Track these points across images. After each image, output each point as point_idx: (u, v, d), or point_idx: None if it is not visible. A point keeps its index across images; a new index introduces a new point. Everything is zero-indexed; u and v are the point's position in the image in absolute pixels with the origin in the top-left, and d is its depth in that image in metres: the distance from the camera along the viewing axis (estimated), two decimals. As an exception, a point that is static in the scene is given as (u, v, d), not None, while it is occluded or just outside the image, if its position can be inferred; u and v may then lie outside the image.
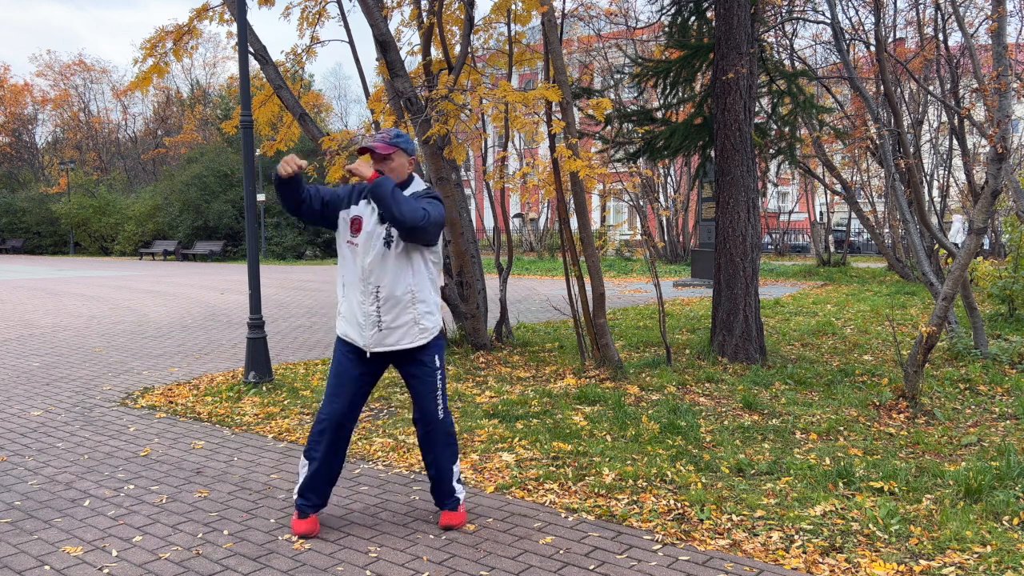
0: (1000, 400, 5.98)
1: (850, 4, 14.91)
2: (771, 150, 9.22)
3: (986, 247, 21.19)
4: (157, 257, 34.78)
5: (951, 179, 19.76)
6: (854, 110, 17.05)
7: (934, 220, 15.71)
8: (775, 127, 9.17)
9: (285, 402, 6.20)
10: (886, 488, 4.03)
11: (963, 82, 16.50)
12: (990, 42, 5.79)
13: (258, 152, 19.36)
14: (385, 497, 4.09)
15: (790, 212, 33.35)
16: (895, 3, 15.67)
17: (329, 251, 32.34)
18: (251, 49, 7.60)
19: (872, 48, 12.77)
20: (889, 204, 18.88)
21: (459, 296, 8.22)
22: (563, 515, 3.80)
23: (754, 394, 6.07)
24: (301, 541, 3.54)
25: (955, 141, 14.96)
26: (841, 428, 5.20)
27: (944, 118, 17.58)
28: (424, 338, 3.57)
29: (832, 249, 26.42)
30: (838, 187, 17.95)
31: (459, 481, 3.77)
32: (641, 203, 27.58)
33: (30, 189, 44.13)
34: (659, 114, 9.08)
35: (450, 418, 3.70)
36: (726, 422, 5.39)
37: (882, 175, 21.00)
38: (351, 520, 3.78)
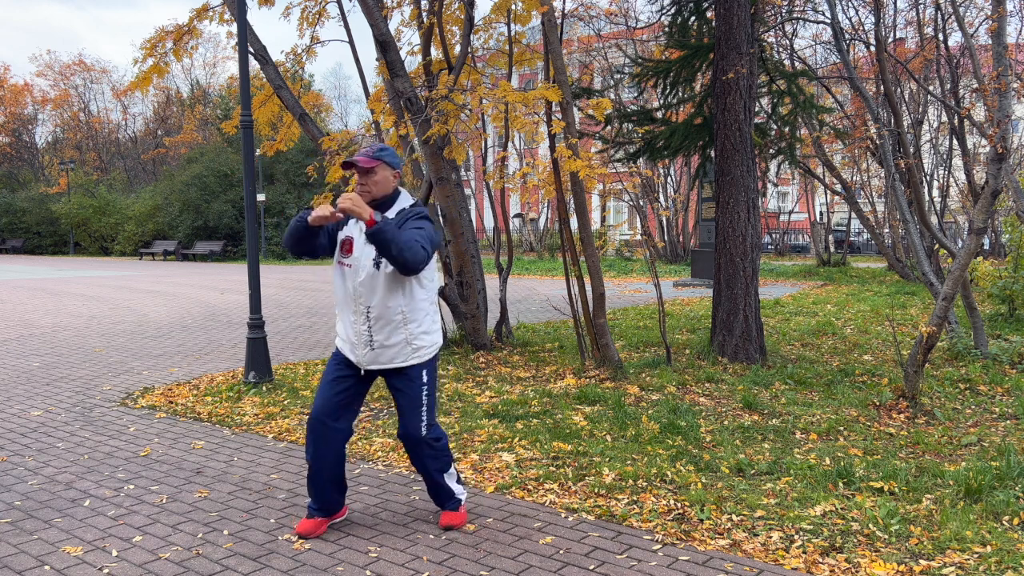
0: (1000, 400, 5.98)
1: (850, 4, 14.92)
2: (771, 150, 9.22)
3: (986, 247, 21.19)
4: (157, 257, 34.78)
5: (951, 179, 19.76)
6: (854, 110, 17.05)
7: (934, 220, 15.72)
8: (775, 127, 9.17)
9: (285, 402, 6.20)
10: (886, 488, 4.03)
11: (963, 82, 16.50)
12: (990, 42, 5.80)
13: (258, 152, 19.35)
14: (385, 497, 4.09)
15: (790, 212, 33.36)
16: (895, 3, 15.68)
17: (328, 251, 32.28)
18: (251, 49, 7.60)
19: (872, 48, 12.77)
20: (889, 204, 18.88)
21: (459, 296, 8.22)
22: (563, 515, 3.80)
23: (754, 394, 6.07)
24: (301, 541, 3.55)
25: (955, 141, 14.96)
26: (841, 428, 5.20)
27: (944, 118, 17.59)
28: (418, 357, 3.53)
29: (832, 249, 26.43)
30: (838, 187, 17.96)
31: (459, 482, 3.77)
32: (641, 203, 27.58)
33: (30, 189, 44.14)
34: (659, 114, 9.08)
35: (436, 431, 3.61)
36: (726, 422, 5.39)
37: (882, 175, 21.00)
38: (351, 520, 3.78)
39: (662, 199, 27.66)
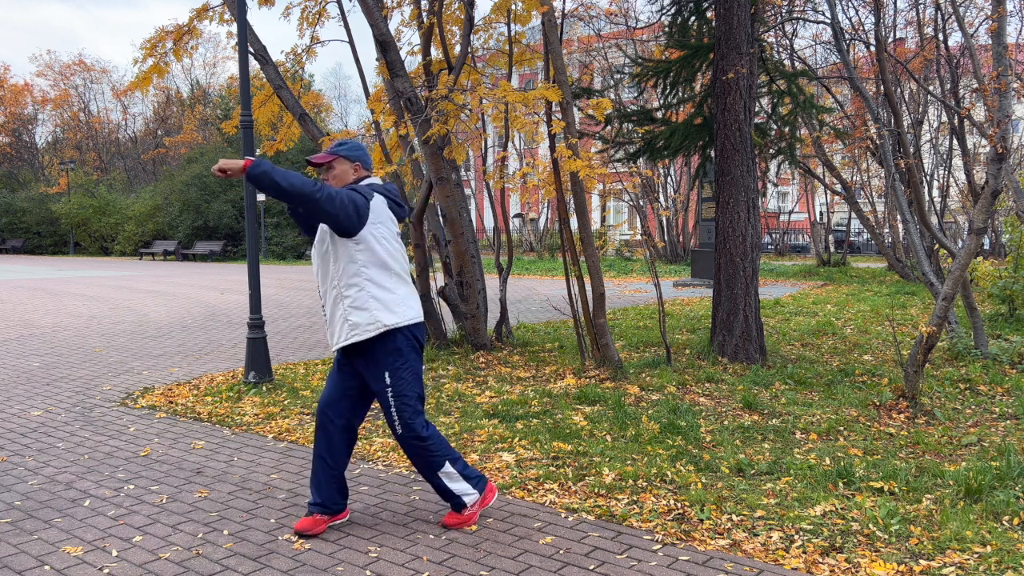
0: (1000, 400, 5.98)
1: (850, 4, 14.92)
2: (771, 150, 9.22)
3: (986, 247, 21.20)
4: (157, 257, 34.79)
5: (951, 179, 19.76)
6: (854, 110, 17.06)
7: (934, 220, 15.72)
8: (775, 127, 9.17)
9: (285, 402, 6.20)
10: (886, 488, 4.03)
11: (963, 82, 16.50)
12: (990, 42, 5.80)
13: (258, 152, 19.34)
14: (385, 497, 4.09)
15: (790, 212, 33.36)
16: (895, 3, 15.68)
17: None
18: (251, 49, 7.60)
19: (872, 48, 12.77)
20: (889, 204, 18.88)
21: (459, 296, 8.22)
22: (563, 515, 3.80)
23: (754, 394, 6.07)
24: (301, 541, 3.54)
25: (955, 141, 14.96)
26: (841, 428, 5.20)
27: (944, 118, 17.59)
28: (356, 335, 3.45)
29: (832, 249, 26.43)
30: (838, 187, 17.96)
31: (470, 479, 3.67)
32: (641, 203, 27.58)
33: (30, 189, 44.15)
34: (659, 114, 9.08)
35: (416, 430, 3.52)
36: (726, 422, 5.39)
37: (882, 175, 21.01)
38: (351, 520, 3.78)
39: (662, 199, 27.67)
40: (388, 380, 3.48)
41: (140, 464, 4.70)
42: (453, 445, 4.91)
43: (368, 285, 3.46)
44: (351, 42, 8.80)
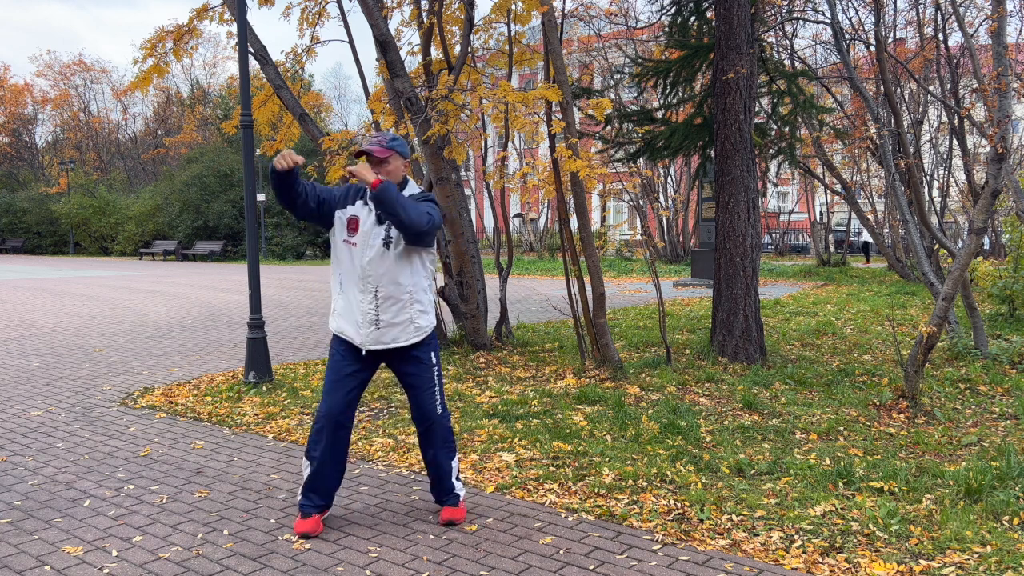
0: (1000, 400, 5.98)
1: (850, 4, 14.92)
2: (771, 150, 9.22)
3: (986, 247, 21.20)
4: (157, 257, 34.79)
5: (951, 179, 19.76)
6: (854, 110, 17.05)
7: (934, 220, 15.72)
8: (775, 127, 9.17)
9: (285, 402, 6.20)
10: (886, 488, 4.03)
11: (963, 82, 16.49)
12: (990, 42, 5.80)
13: (258, 152, 19.31)
14: (385, 497, 4.09)
15: (790, 212, 33.36)
16: (895, 3, 15.68)
17: (329, 251, 32.34)
18: (251, 49, 7.60)
19: (872, 48, 12.77)
20: (889, 204, 18.88)
21: (459, 296, 8.22)
22: (563, 515, 3.80)
23: (754, 394, 6.07)
24: (301, 541, 3.55)
25: (955, 141, 14.96)
26: (841, 428, 5.20)
27: (944, 118, 17.58)
28: (418, 336, 3.63)
29: (832, 249, 26.43)
30: (838, 187, 17.96)
31: (458, 478, 3.80)
32: (641, 203, 27.58)
33: (30, 189, 44.15)
34: (659, 114, 9.08)
35: (448, 415, 3.75)
36: (726, 422, 5.39)
37: (882, 175, 21.00)
38: (351, 520, 3.78)
39: (662, 199, 27.67)
40: (434, 360, 3.69)
41: (140, 464, 4.70)
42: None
43: (430, 291, 3.71)
44: (351, 42, 8.81)
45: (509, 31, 8.29)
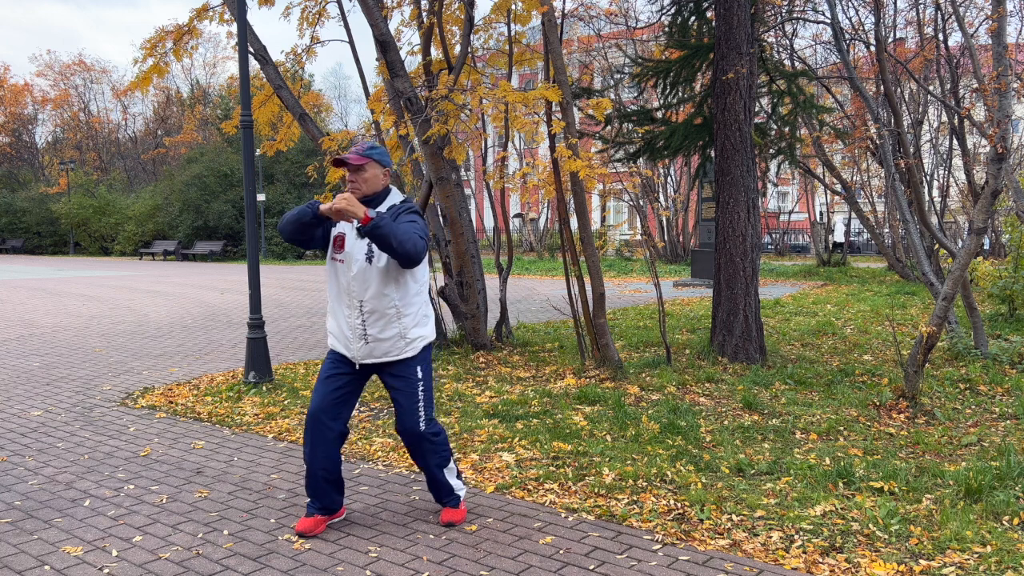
0: (1000, 400, 5.98)
1: (850, 4, 14.90)
2: (771, 150, 9.22)
3: (986, 247, 21.20)
4: (157, 257, 34.78)
5: (951, 179, 19.76)
6: (854, 110, 17.05)
7: (934, 220, 15.72)
8: (775, 127, 9.16)
9: (285, 402, 6.20)
10: (886, 488, 4.03)
11: (963, 82, 16.49)
12: (990, 42, 5.80)
13: (258, 152, 19.30)
14: (385, 497, 4.09)
15: (790, 212, 33.35)
16: (895, 3, 15.68)
17: (329, 251, 32.28)
18: (251, 49, 7.60)
19: (872, 48, 12.77)
20: (889, 204, 18.88)
21: (459, 296, 8.22)
22: (563, 515, 3.81)
23: (754, 394, 6.07)
24: (301, 541, 3.55)
25: (955, 141, 14.96)
26: (841, 428, 5.20)
27: (944, 118, 17.58)
28: (411, 350, 3.58)
29: (832, 249, 26.43)
30: (838, 187, 17.95)
31: (459, 478, 3.80)
32: (641, 203, 27.57)
33: (30, 189, 44.13)
34: (659, 114, 9.08)
35: (435, 426, 3.65)
36: (726, 422, 5.39)
37: (882, 175, 21.00)
38: (351, 520, 3.78)
39: (662, 199, 27.66)
40: (420, 375, 3.62)
41: (140, 464, 4.70)
42: (453, 445, 4.91)
43: (423, 306, 3.65)
44: (351, 42, 8.81)
45: (509, 31, 8.29)
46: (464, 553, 3.39)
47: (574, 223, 9.46)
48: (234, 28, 7.25)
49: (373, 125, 8.74)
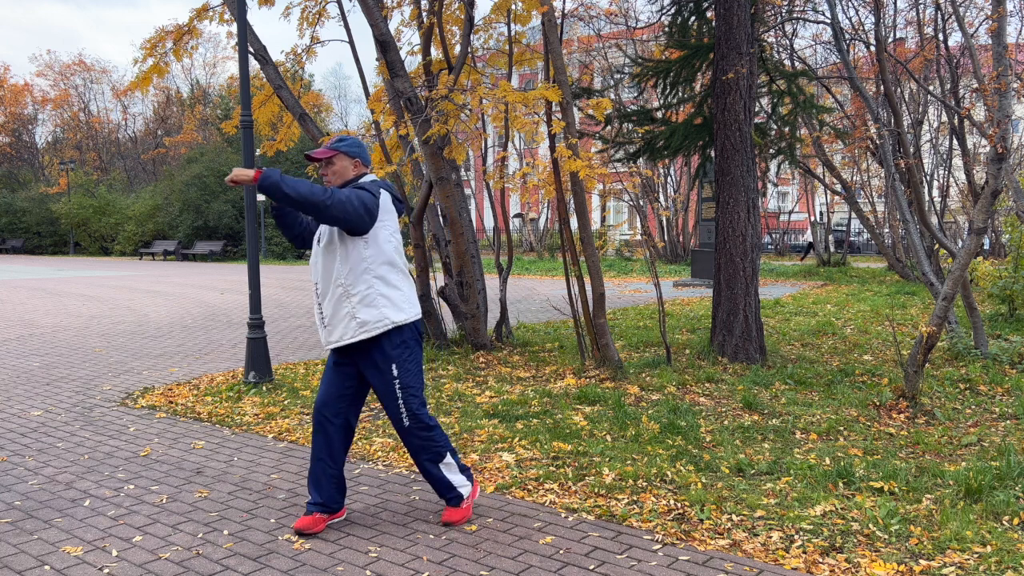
0: (1000, 400, 5.98)
1: (850, 4, 14.91)
2: (771, 150, 9.21)
3: (986, 247, 21.21)
4: (157, 257, 34.79)
5: (951, 179, 19.76)
6: (854, 110, 17.05)
7: (934, 220, 15.72)
8: (775, 127, 9.16)
9: (285, 402, 6.20)
10: (886, 488, 4.03)
11: (963, 82, 16.49)
12: (990, 42, 5.80)
13: (258, 152, 19.30)
14: (385, 497, 4.09)
15: (790, 212, 33.35)
16: (895, 3, 15.68)
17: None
18: (251, 49, 7.60)
19: (872, 48, 12.77)
20: (889, 204, 18.88)
21: (459, 296, 8.22)
22: (563, 515, 3.80)
23: (754, 394, 6.07)
24: (301, 541, 3.55)
25: (955, 141, 14.96)
26: (841, 428, 5.20)
27: (944, 118, 17.58)
28: (365, 332, 3.47)
29: (832, 249, 26.44)
30: (838, 187, 17.95)
31: (463, 472, 3.75)
32: (641, 203, 27.57)
33: (30, 189, 44.13)
34: (659, 114, 9.08)
35: (421, 420, 3.57)
36: (726, 422, 5.39)
37: (882, 175, 21.00)
38: (351, 520, 3.78)
39: (662, 199, 27.66)
40: (396, 372, 3.53)
41: (140, 464, 4.70)
42: (453, 445, 4.91)
43: (376, 283, 3.50)
44: (351, 42, 8.80)
45: (509, 31, 8.29)
46: (464, 553, 3.39)
47: (574, 223, 9.46)
48: (234, 28, 7.25)
49: (373, 125, 8.74)
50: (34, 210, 41.60)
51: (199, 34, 8.68)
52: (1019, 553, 3.27)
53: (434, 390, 6.50)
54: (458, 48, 7.98)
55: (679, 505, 3.85)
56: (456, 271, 8.20)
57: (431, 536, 3.58)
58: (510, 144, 19.01)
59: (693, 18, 8.62)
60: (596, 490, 4.08)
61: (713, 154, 7.95)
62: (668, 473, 4.28)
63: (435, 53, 8.19)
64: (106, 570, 3.27)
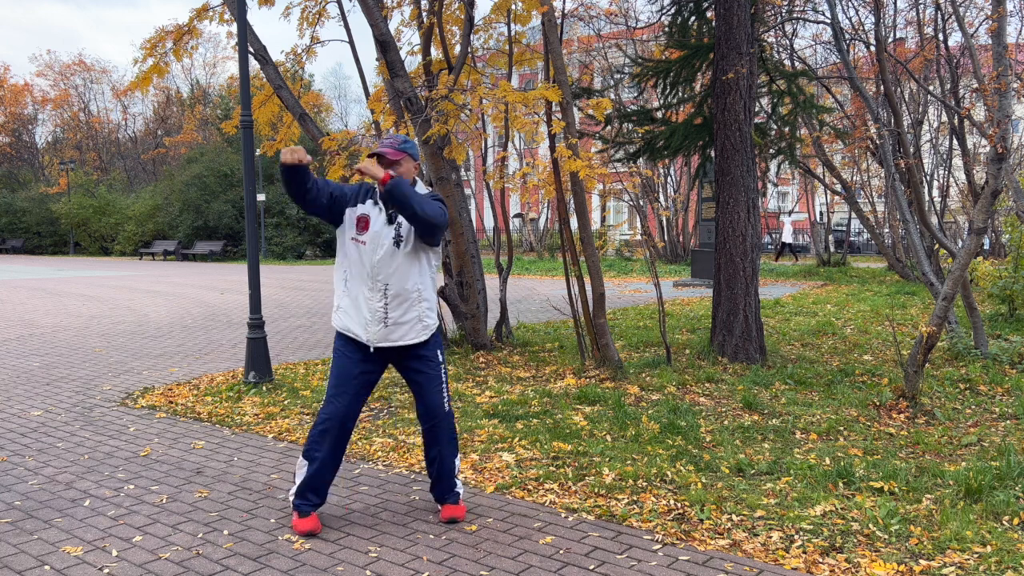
0: (1000, 400, 5.98)
1: (850, 4, 14.90)
2: (771, 150, 9.22)
3: (986, 247, 21.20)
4: (157, 257, 34.78)
5: (951, 179, 19.75)
6: (854, 110, 17.05)
7: (934, 220, 15.71)
8: (775, 127, 9.16)
9: (285, 402, 6.20)
10: (886, 488, 4.03)
11: (963, 82, 16.49)
12: (990, 42, 5.80)
13: (258, 152, 19.28)
14: (385, 497, 4.09)
15: (790, 212, 33.34)
16: (895, 3, 15.68)
17: (329, 251, 32.32)
18: (251, 49, 7.60)
19: (872, 48, 12.77)
20: (889, 204, 18.88)
21: (459, 296, 8.22)
22: (563, 515, 3.81)
23: (754, 394, 6.07)
24: (301, 541, 3.55)
25: (955, 141, 14.96)
26: (841, 428, 5.20)
27: (944, 118, 17.58)
28: (426, 334, 3.67)
29: (832, 249, 26.44)
30: (838, 187, 17.95)
31: (457, 476, 3.84)
32: (641, 203, 27.57)
33: (30, 189, 44.12)
34: (659, 114, 9.08)
35: (452, 412, 3.81)
36: (726, 422, 5.39)
37: (882, 175, 21.00)
38: (351, 520, 3.78)
39: (662, 199, 27.66)
40: (440, 357, 3.74)
41: (140, 464, 4.70)
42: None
43: (435, 287, 3.77)
44: (351, 42, 8.81)
45: (509, 31, 8.29)
46: (464, 553, 3.39)
47: (574, 223, 9.46)
48: (234, 28, 7.25)
49: (373, 125, 8.74)
50: (34, 210, 41.60)
51: (199, 34, 8.68)
52: (1019, 553, 3.27)
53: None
54: (458, 48, 7.98)
55: (679, 505, 3.85)
56: (456, 271, 8.20)
57: (431, 536, 3.58)
58: (510, 144, 19.01)
59: (693, 18, 8.62)
60: (596, 490, 4.08)
61: (713, 154, 7.95)
62: (668, 473, 4.28)
63: (435, 53, 8.19)
64: (106, 570, 3.27)
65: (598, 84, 24.63)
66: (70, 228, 39.97)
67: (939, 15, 12.77)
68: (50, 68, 55.37)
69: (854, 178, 20.74)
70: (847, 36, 12.04)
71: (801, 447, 4.82)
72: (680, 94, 8.91)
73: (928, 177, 18.15)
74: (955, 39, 21.64)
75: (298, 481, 3.66)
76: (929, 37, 14.01)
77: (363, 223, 3.60)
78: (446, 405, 3.74)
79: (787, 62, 14.85)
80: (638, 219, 28.61)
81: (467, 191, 17.32)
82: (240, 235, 33.16)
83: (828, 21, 7.74)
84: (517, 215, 37.74)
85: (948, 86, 13.70)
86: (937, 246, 10.67)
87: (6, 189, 45.15)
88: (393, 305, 3.58)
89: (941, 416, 5.47)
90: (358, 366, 3.63)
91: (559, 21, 8.57)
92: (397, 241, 3.57)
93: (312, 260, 31.50)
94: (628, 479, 4.20)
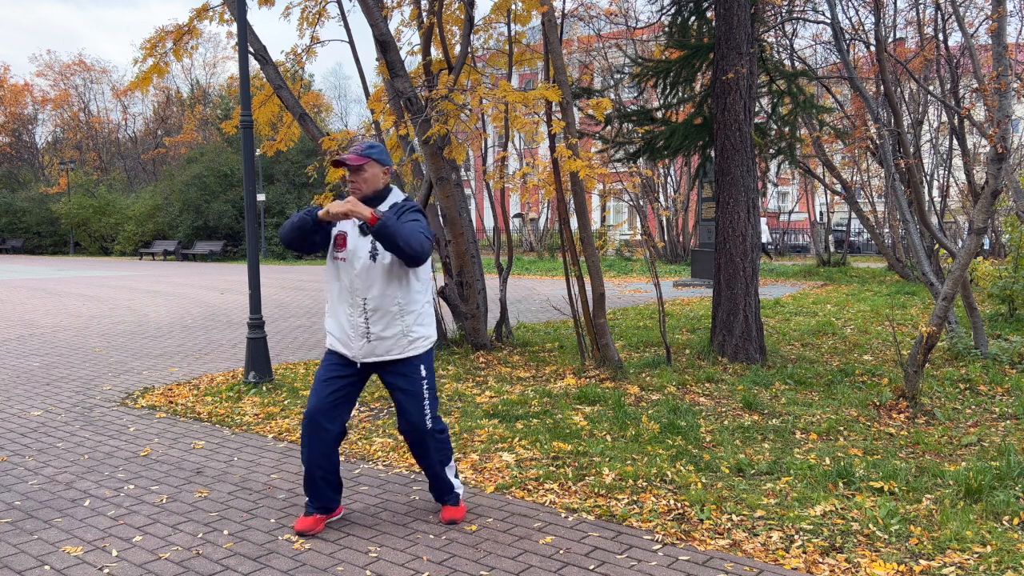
0: (1000, 400, 5.98)
1: (850, 4, 14.90)
2: (771, 150, 9.21)
3: (986, 247, 21.20)
4: (157, 257, 34.78)
5: (951, 179, 19.75)
6: (854, 110, 17.04)
7: (934, 220, 15.71)
8: (775, 127, 9.16)
9: (285, 402, 6.20)
10: (886, 488, 4.03)
11: (963, 82, 16.49)
12: (990, 42, 5.80)
13: (258, 152, 19.27)
14: (385, 497, 4.09)
15: (790, 212, 33.34)
16: (895, 3, 15.67)
17: (329, 251, 32.26)
18: (251, 49, 7.60)
19: (872, 48, 12.76)
20: (889, 204, 18.88)
21: (459, 296, 8.22)
22: (563, 515, 3.81)
23: (754, 394, 6.07)
24: (301, 541, 3.55)
25: (955, 141, 14.96)
26: (841, 428, 5.20)
27: (944, 118, 17.58)
28: (414, 349, 3.59)
29: (832, 249, 26.44)
30: (838, 187, 17.95)
31: (456, 476, 3.83)
32: (641, 203, 27.57)
33: (30, 189, 44.12)
34: (659, 114, 9.08)
35: (440, 423, 3.69)
36: (726, 422, 5.39)
37: (882, 175, 21.00)
38: (351, 520, 3.78)
39: (662, 199, 27.65)
40: (424, 372, 3.63)
41: (140, 464, 4.70)
42: (453, 445, 4.91)
43: (426, 303, 3.65)
44: (351, 42, 8.81)
45: (509, 31, 8.29)
46: (464, 553, 3.39)
47: (574, 223, 9.45)
48: (234, 28, 7.25)
49: (373, 125, 8.73)
50: (34, 210, 41.59)
51: (199, 34, 8.68)
52: (1019, 553, 3.27)
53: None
54: (458, 48, 7.98)
55: (679, 505, 3.85)
56: (456, 271, 8.20)
57: (431, 536, 3.58)
58: (510, 144, 19.01)
59: (693, 18, 8.62)
60: (596, 490, 4.08)
61: (713, 154, 7.95)
62: (668, 473, 4.28)
63: (435, 53, 8.19)
64: (106, 570, 3.27)
65: (598, 84, 24.62)
66: (70, 228, 39.96)
67: (939, 15, 12.77)
68: (50, 68, 55.41)
69: (854, 178, 20.73)
70: (847, 36, 12.04)
71: (801, 447, 4.82)
72: (680, 94, 8.91)
73: (928, 177, 18.14)
74: (955, 39, 21.65)
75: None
76: (929, 37, 14.01)
77: (341, 240, 3.56)
78: (428, 421, 3.60)
79: (787, 62, 14.85)
80: (638, 219, 28.61)
81: (467, 191, 17.32)
82: (240, 235, 33.16)
83: (828, 21, 7.74)
84: (517, 215, 37.74)
85: (948, 86, 13.70)
86: (937, 246, 10.67)
87: (6, 189, 45.15)
88: (374, 319, 3.51)
89: (941, 416, 5.47)
90: (340, 370, 3.61)
91: (559, 21, 8.57)
92: (372, 254, 3.49)
93: (312, 260, 31.48)
94: (628, 479, 4.20)
